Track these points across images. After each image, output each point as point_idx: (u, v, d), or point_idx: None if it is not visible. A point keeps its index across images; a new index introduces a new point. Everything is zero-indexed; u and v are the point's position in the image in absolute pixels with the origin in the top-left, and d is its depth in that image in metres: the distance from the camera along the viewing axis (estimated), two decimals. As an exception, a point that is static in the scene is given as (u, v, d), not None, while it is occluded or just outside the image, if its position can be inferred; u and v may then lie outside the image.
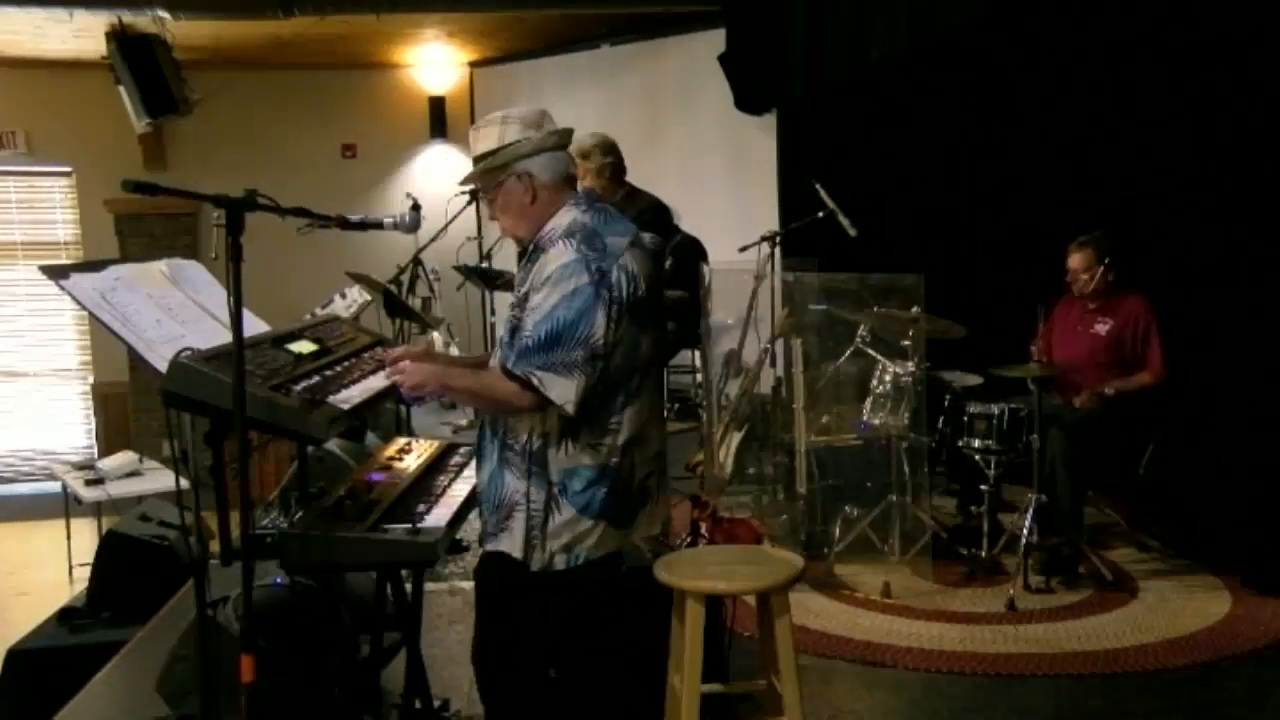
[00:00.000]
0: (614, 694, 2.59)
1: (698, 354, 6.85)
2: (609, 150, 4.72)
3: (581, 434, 2.37)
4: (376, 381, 2.58)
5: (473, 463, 2.85)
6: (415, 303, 6.24)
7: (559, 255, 2.33)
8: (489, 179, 2.47)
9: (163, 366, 2.24)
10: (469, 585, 4.36)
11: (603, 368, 2.33)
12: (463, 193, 5.55)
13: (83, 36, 7.54)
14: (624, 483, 2.43)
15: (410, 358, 2.49)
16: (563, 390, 2.28)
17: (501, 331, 2.52)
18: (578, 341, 2.28)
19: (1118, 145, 5.54)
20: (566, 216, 2.42)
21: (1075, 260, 4.80)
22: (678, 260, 6.65)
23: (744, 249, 5.28)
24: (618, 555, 2.46)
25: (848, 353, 4.83)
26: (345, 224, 2.59)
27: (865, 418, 4.74)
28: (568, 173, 2.48)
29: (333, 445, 3.93)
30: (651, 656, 2.85)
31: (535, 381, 2.28)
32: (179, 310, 2.55)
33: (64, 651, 4.17)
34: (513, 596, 2.47)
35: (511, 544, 2.41)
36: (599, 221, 2.41)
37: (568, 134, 2.51)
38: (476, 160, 2.48)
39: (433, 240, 6.06)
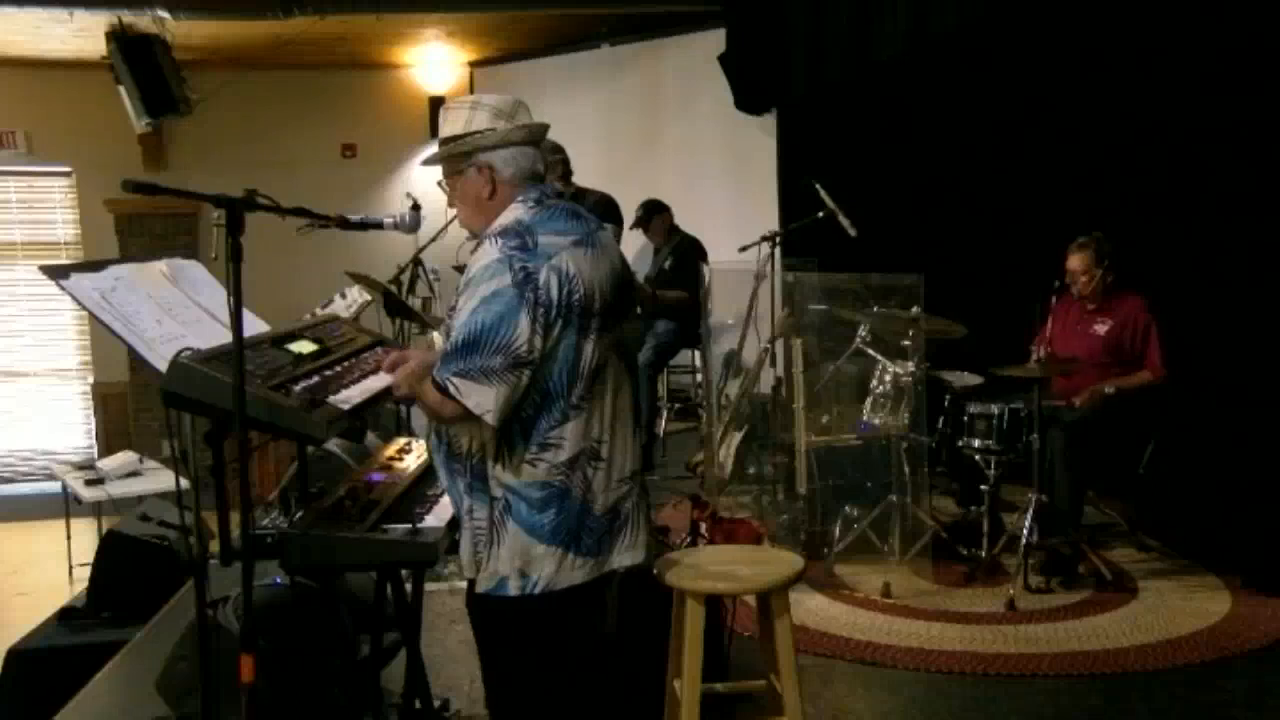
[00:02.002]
0: (600, 705, 2.52)
1: (698, 354, 6.87)
2: (557, 149, 4.94)
3: (517, 448, 2.21)
4: (376, 381, 2.57)
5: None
6: (415, 303, 6.23)
7: (484, 255, 2.19)
8: (450, 165, 2.36)
9: (163, 366, 2.23)
10: (469, 585, 4.37)
11: (533, 376, 2.17)
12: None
13: (83, 36, 7.55)
14: (580, 505, 2.25)
15: (402, 361, 2.47)
16: (481, 399, 2.13)
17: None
18: (497, 347, 2.12)
19: (1118, 145, 5.54)
20: (510, 214, 2.27)
21: (1074, 262, 4.80)
22: (678, 260, 6.69)
23: (744, 249, 5.28)
24: (592, 585, 2.30)
25: (848, 353, 4.82)
26: (345, 224, 2.58)
27: (865, 418, 4.74)
28: (534, 169, 2.33)
29: (333, 445, 3.93)
30: (651, 657, 2.85)
31: (452, 389, 2.13)
32: (179, 310, 2.55)
33: (64, 651, 4.17)
34: (473, 618, 2.39)
35: (465, 561, 2.30)
36: (540, 218, 2.25)
37: (540, 129, 2.36)
38: (442, 142, 2.36)
39: (433, 240, 6.05)
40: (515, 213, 2.28)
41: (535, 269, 2.16)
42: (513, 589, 2.24)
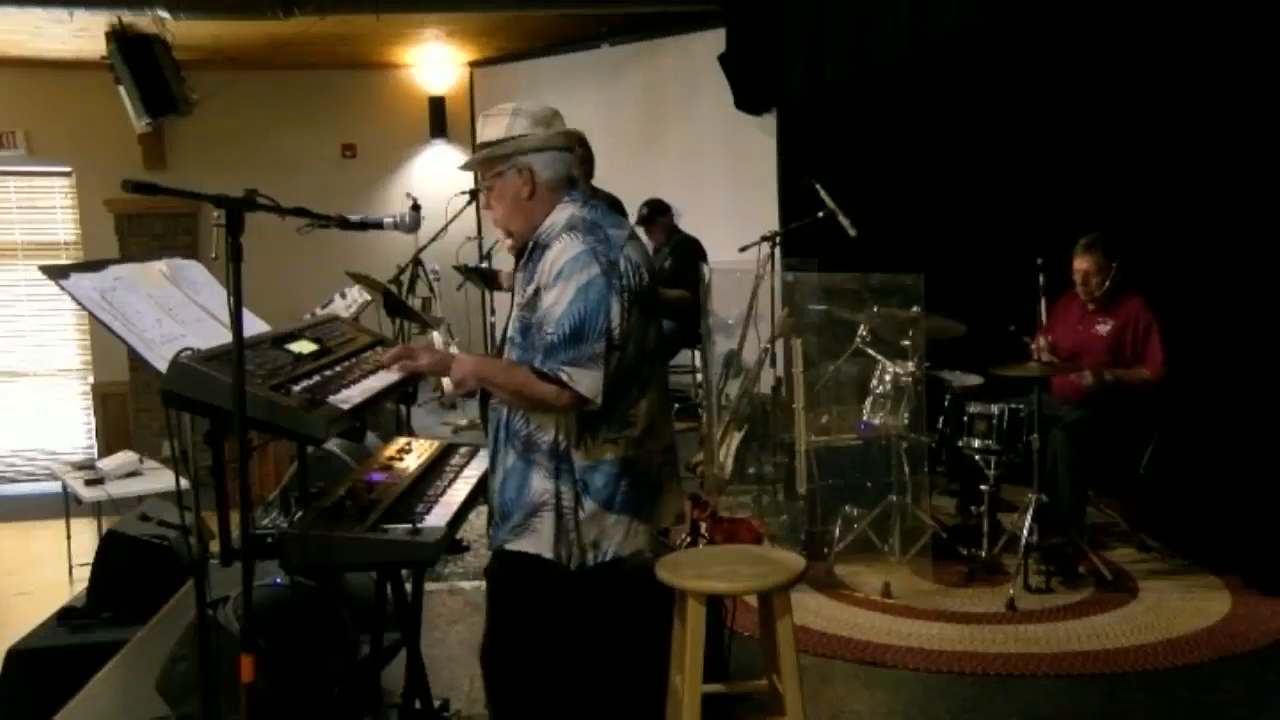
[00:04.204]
0: (624, 692, 2.59)
1: (698, 354, 6.87)
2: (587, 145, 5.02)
3: (601, 429, 2.38)
4: (376, 381, 2.57)
5: (472, 463, 2.87)
6: (415, 303, 6.25)
7: (566, 249, 2.33)
8: (489, 167, 2.47)
9: (163, 366, 2.23)
10: (469, 585, 4.37)
11: (618, 359, 2.34)
12: (463, 193, 5.57)
13: (83, 36, 7.55)
14: (643, 475, 2.45)
15: (408, 354, 2.50)
16: (591, 383, 2.29)
17: (511, 331, 2.49)
18: (600, 333, 2.30)
19: (1118, 145, 5.54)
20: (564, 213, 2.42)
21: (1085, 262, 4.75)
22: (678, 260, 6.69)
23: (744, 249, 5.29)
24: (643, 551, 2.49)
25: (848, 353, 4.82)
26: (345, 224, 2.59)
27: (865, 418, 4.74)
28: (570, 174, 2.47)
29: (333, 445, 3.94)
30: (654, 656, 2.85)
31: (565, 378, 2.28)
32: (179, 310, 2.55)
33: (64, 651, 4.17)
34: (540, 597, 2.46)
35: (538, 544, 2.40)
36: (598, 215, 2.43)
37: (575, 136, 2.51)
38: (480, 147, 2.48)
39: (433, 240, 6.06)
40: (570, 209, 2.43)
41: (615, 258, 2.36)
42: (591, 561, 2.41)
